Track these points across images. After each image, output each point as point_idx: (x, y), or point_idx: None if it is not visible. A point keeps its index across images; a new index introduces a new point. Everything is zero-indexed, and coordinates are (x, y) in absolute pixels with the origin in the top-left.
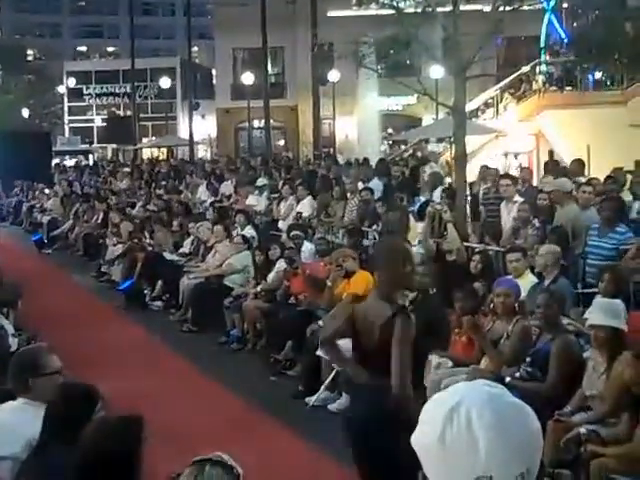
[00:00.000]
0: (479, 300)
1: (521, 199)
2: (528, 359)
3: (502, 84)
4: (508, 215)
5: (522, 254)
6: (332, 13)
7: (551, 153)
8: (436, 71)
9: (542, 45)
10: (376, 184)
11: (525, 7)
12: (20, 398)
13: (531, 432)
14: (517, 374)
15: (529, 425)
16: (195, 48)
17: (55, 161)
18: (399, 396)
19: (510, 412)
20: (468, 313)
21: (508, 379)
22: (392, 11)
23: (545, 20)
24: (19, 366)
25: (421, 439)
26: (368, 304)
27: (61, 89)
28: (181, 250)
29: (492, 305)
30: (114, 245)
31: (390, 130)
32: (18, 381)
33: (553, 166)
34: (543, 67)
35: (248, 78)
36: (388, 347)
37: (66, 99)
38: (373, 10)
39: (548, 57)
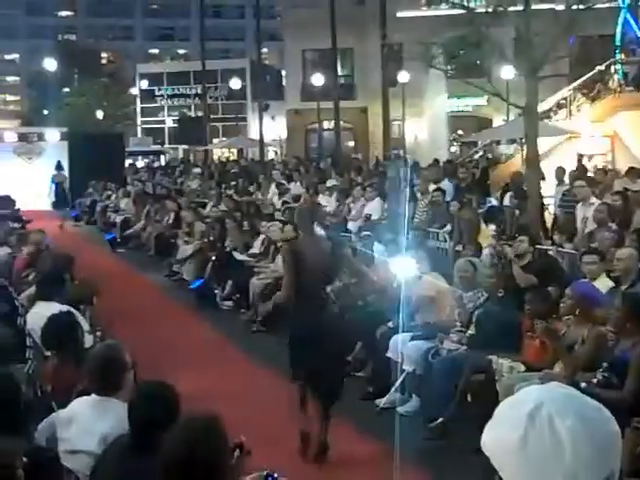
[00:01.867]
0: (552, 304)
1: (598, 201)
2: (605, 365)
3: (575, 84)
4: (583, 217)
5: (598, 257)
6: (401, 14)
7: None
8: (507, 71)
9: (617, 44)
10: (447, 185)
11: (599, 5)
12: (94, 394)
13: (613, 434)
14: (594, 380)
15: (610, 427)
16: (265, 49)
17: (128, 162)
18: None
19: (592, 414)
20: (540, 317)
21: (583, 385)
22: (462, 11)
23: (620, 18)
24: (112, 363)
25: (498, 443)
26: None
27: (134, 91)
28: (251, 250)
29: (564, 308)
30: (185, 244)
31: (460, 131)
32: (108, 378)
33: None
34: (618, 67)
35: (318, 79)
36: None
37: (139, 100)
38: (443, 10)
39: (623, 56)
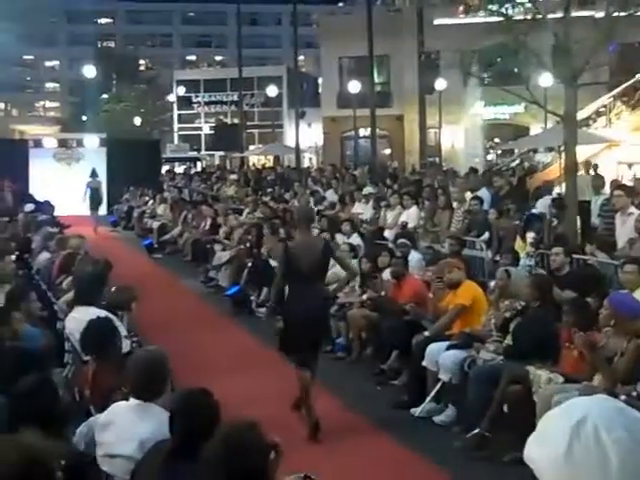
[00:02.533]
0: (592, 315)
1: (637, 210)
2: None
3: (615, 92)
4: (622, 226)
5: (638, 267)
6: (438, 21)
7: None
8: (545, 79)
9: None
10: (484, 194)
11: None
12: (133, 399)
13: None
14: (633, 393)
15: None
16: (301, 57)
17: (165, 168)
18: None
19: (638, 426)
20: (579, 328)
21: (623, 397)
22: (500, 18)
23: None
24: (156, 369)
25: (543, 456)
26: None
27: (171, 97)
28: None
29: (602, 319)
30: (222, 251)
31: (497, 139)
32: (151, 384)
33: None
34: None
35: (354, 86)
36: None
37: (175, 107)
38: (480, 18)
39: None
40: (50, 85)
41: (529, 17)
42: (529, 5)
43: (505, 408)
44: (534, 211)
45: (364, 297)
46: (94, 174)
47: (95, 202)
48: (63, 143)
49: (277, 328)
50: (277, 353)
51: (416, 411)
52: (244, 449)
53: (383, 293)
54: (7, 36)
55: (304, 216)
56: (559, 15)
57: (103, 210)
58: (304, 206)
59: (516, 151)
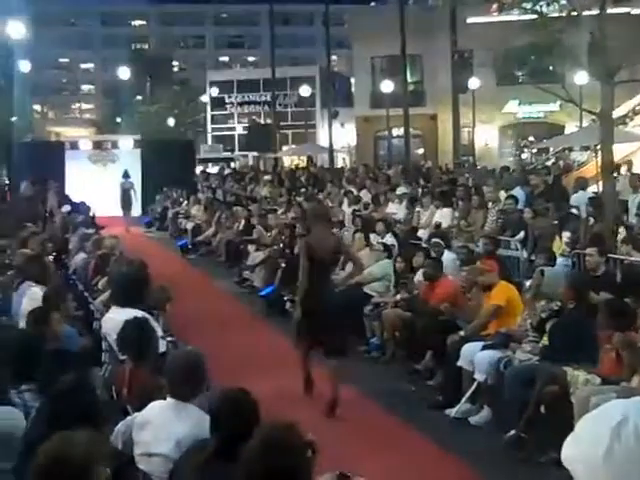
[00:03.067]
0: (631, 315)
1: None
2: None
3: None
4: None
5: None
6: (471, 19)
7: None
8: (581, 77)
9: None
10: (519, 193)
11: None
12: (169, 398)
13: None
14: None
15: None
16: (334, 57)
17: (199, 168)
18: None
19: None
20: (617, 328)
21: None
22: (534, 16)
23: None
24: (195, 370)
25: (581, 458)
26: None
27: (204, 98)
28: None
29: None
30: (255, 251)
31: (531, 138)
32: (190, 384)
33: None
34: None
35: (387, 86)
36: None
37: (209, 108)
38: (514, 16)
39: None
40: (85, 87)
41: (564, 14)
42: (564, 2)
43: (542, 409)
44: (574, 210)
45: (398, 297)
46: (126, 175)
47: (127, 203)
48: (98, 145)
49: (296, 317)
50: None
51: (451, 412)
52: (284, 449)
53: (416, 292)
54: (44, 39)
55: (318, 214)
56: (595, 12)
57: (137, 211)
58: (317, 205)
59: (551, 150)
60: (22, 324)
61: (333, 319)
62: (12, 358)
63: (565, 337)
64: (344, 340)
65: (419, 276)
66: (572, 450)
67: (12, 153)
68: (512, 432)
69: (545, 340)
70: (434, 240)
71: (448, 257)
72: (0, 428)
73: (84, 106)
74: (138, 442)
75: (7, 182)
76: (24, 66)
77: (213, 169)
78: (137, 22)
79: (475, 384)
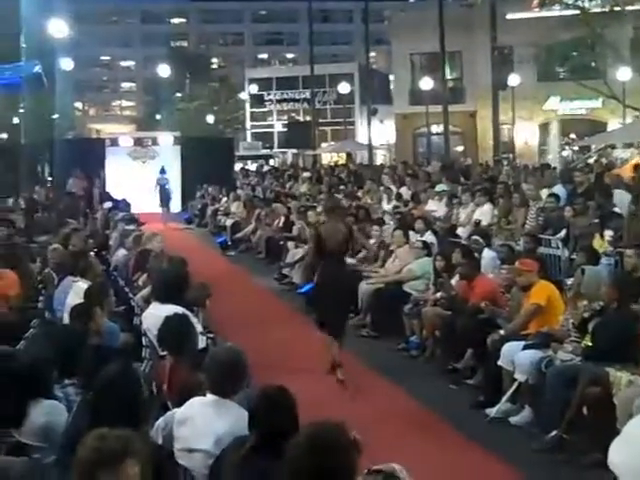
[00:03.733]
0: None
1: None
2: None
3: None
4: None
5: None
6: (511, 16)
7: None
8: (624, 73)
9: None
10: (561, 190)
11: None
12: (209, 394)
13: None
14: None
15: None
16: (373, 54)
17: (238, 165)
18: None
19: None
20: None
21: None
22: (576, 12)
23: None
24: (236, 367)
25: (629, 461)
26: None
27: (243, 95)
28: (360, 255)
29: None
30: (295, 248)
31: (572, 135)
32: (230, 381)
33: None
34: None
35: (426, 83)
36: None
37: (248, 105)
38: (555, 12)
39: None
40: (126, 85)
41: (607, 9)
42: None
43: (584, 410)
44: (617, 209)
45: (438, 295)
46: (163, 171)
47: (165, 198)
48: (138, 142)
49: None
50: (350, 351)
51: (492, 411)
52: (332, 448)
53: (454, 293)
54: (86, 38)
55: (331, 206)
56: (638, 7)
57: (177, 207)
58: (331, 198)
59: (593, 147)
60: (65, 319)
61: (342, 305)
62: (56, 353)
63: (608, 337)
64: (346, 322)
65: (457, 275)
66: (619, 453)
67: (54, 150)
68: (553, 433)
69: (587, 340)
70: (474, 238)
71: (488, 255)
72: (44, 422)
73: (124, 103)
74: (178, 438)
75: (50, 179)
76: (66, 64)
77: (252, 166)
78: (177, 20)
79: (516, 384)
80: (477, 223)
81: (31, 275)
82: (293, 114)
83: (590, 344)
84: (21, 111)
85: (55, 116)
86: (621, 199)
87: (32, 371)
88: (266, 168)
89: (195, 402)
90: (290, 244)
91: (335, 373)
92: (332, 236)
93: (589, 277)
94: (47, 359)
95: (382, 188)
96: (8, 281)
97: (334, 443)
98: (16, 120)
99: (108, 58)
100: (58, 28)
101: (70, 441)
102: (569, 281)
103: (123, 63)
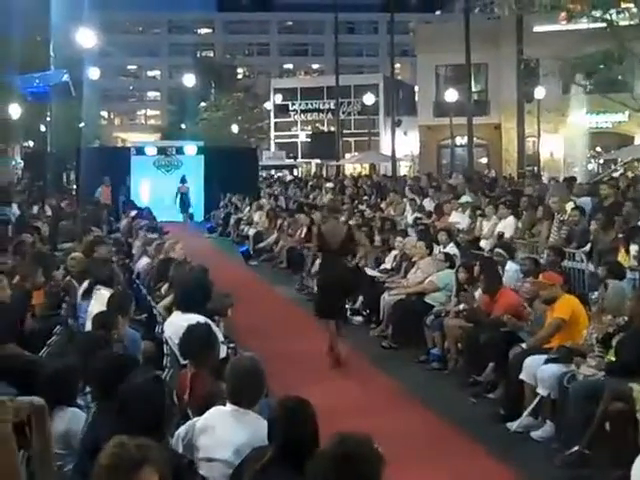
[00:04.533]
0: None
1: None
2: None
3: None
4: None
5: None
6: (538, 28)
7: None
8: None
9: None
10: (586, 203)
11: None
12: (229, 404)
13: None
14: None
15: None
16: (398, 65)
17: (261, 175)
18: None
19: None
20: None
21: None
22: (604, 25)
23: None
24: (256, 377)
25: None
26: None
27: (268, 105)
28: (383, 266)
29: None
30: (317, 259)
31: (598, 148)
32: (250, 391)
33: None
34: None
35: (451, 95)
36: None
37: (272, 115)
38: (583, 24)
39: None
40: (151, 94)
41: (635, 23)
42: (635, 10)
43: (607, 426)
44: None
45: (460, 307)
46: (184, 180)
47: (185, 206)
48: (163, 151)
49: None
50: (371, 363)
51: (513, 425)
52: (360, 461)
53: (476, 305)
54: (113, 47)
55: (331, 208)
56: None
57: (200, 216)
58: (332, 200)
59: (619, 160)
60: (88, 326)
61: (340, 295)
62: (79, 361)
63: (632, 353)
64: (341, 309)
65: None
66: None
67: (80, 158)
68: (575, 448)
69: (611, 355)
70: (497, 250)
71: (511, 268)
72: (65, 429)
73: (149, 112)
74: (199, 447)
75: (75, 187)
76: (93, 73)
77: (276, 176)
78: (203, 30)
79: (538, 398)
80: (500, 236)
81: (55, 283)
82: (317, 124)
83: (614, 359)
84: (48, 119)
85: (81, 124)
86: None
87: (56, 379)
88: (289, 178)
89: (215, 412)
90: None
91: (332, 355)
92: (333, 235)
93: (613, 292)
94: (71, 367)
95: (406, 200)
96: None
97: (363, 455)
98: (43, 128)
99: (134, 67)
100: (86, 38)
101: (89, 448)
102: (593, 295)
103: (149, 72)
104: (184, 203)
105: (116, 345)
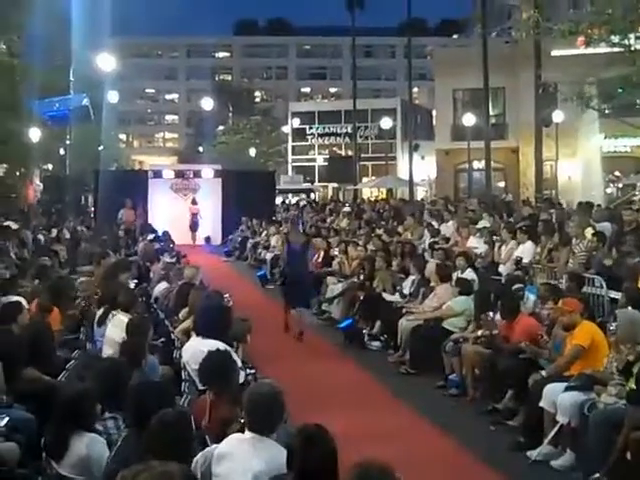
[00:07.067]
0: None
1: None
2: None
3: None
4: None
5: None
6: (556, 52)
7: None
8: None
9: None
10: (606, 229)
11: None
12: (248, 432)
13: None
14: None
15: None
16: (415, 89)
17: (279, 199)
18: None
19: None
20: None
21: None
22: (622, 49)
23: None
24: (275, 404)
25: None
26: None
27: (285, 129)
28: (401, 291)
29: None
30: (334, 284)
31: (617, 173)
32: (269, 418)
33: None
34: None
35: (468, 119)
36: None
37: (290, 138)
38: (601, 49)
39: None
40: (169, 117)
41: None
42: None
43: (628, 455)
44: None
45: (479, 333)
46: (194, 202)
47: (194, 226)
48: (180, 174)
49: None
50: (389, 388)
51: (533, 454)
52: None
53: (496, 332)
54: (132, 71)
55: (292, 223)
56: None
57: (217, 240)
58: (293, 215)
59: (638, 185)
60: (106, 351)
61: (303, 286)
62: (101, 387)
63: None
64: (304, 298)
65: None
66: None
67: (99, 181)
68: (595, 476)
69: (632, 384)
70: (517, 286)
71: (529, 293)
72: (84, 454)
73: (167, 135)
74: (217, 474)
75: (93, 209)
76: (112, 97)
77: (293, 199)
78: (221, 54)
79: (558, 426)
80: (518, 261)
81: (74, 307)
82: (335, 148)
83: (635, 388)
84: (67, 142)
85: (100, 147)
86: None
87: (75, 404)
88: (303, 203)
89: (233, 439)
90: (330, 279)
91: (288, 329)
92: (295, 243)
93: (623, 321)
94: (90, 392)
95: (424, 224)
96: (51, 317)
97: None
98: (62, 151)
99: (153, 91)
100: (106, 62)
101: (114, 474)
102: (612, 326)
103: (167, 96)
104: (194, 224)
105: (137, 371)
